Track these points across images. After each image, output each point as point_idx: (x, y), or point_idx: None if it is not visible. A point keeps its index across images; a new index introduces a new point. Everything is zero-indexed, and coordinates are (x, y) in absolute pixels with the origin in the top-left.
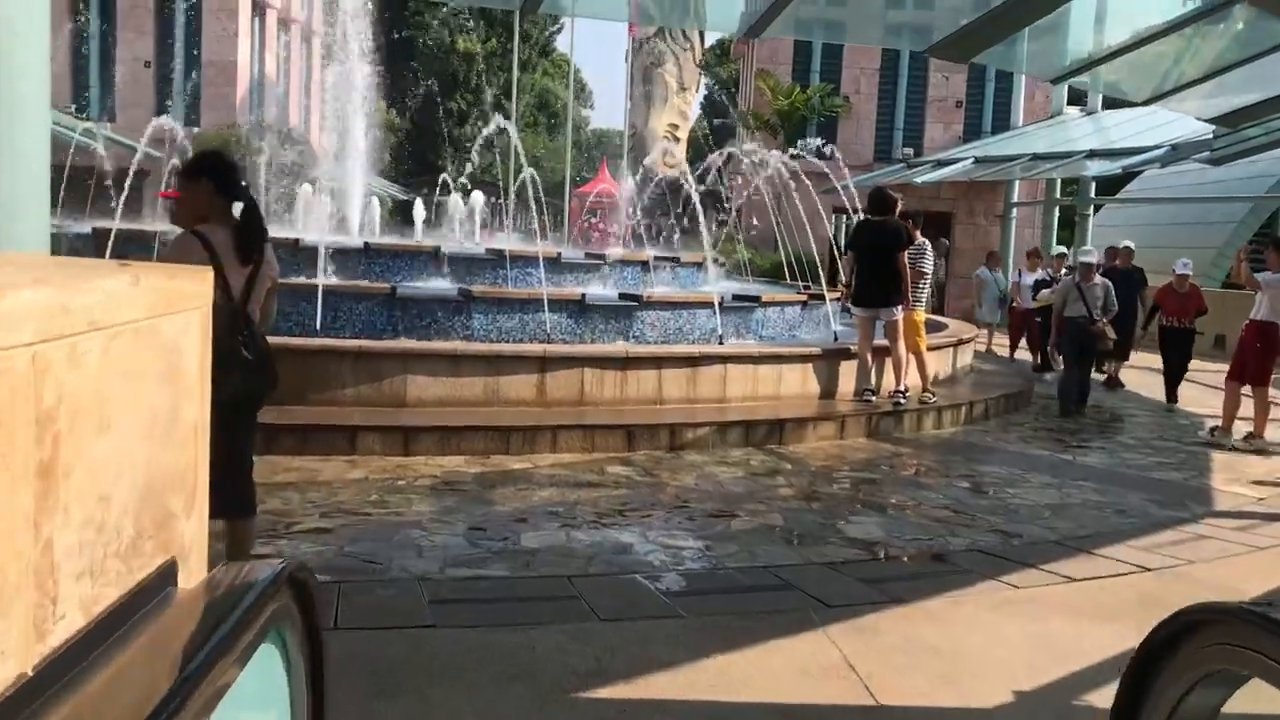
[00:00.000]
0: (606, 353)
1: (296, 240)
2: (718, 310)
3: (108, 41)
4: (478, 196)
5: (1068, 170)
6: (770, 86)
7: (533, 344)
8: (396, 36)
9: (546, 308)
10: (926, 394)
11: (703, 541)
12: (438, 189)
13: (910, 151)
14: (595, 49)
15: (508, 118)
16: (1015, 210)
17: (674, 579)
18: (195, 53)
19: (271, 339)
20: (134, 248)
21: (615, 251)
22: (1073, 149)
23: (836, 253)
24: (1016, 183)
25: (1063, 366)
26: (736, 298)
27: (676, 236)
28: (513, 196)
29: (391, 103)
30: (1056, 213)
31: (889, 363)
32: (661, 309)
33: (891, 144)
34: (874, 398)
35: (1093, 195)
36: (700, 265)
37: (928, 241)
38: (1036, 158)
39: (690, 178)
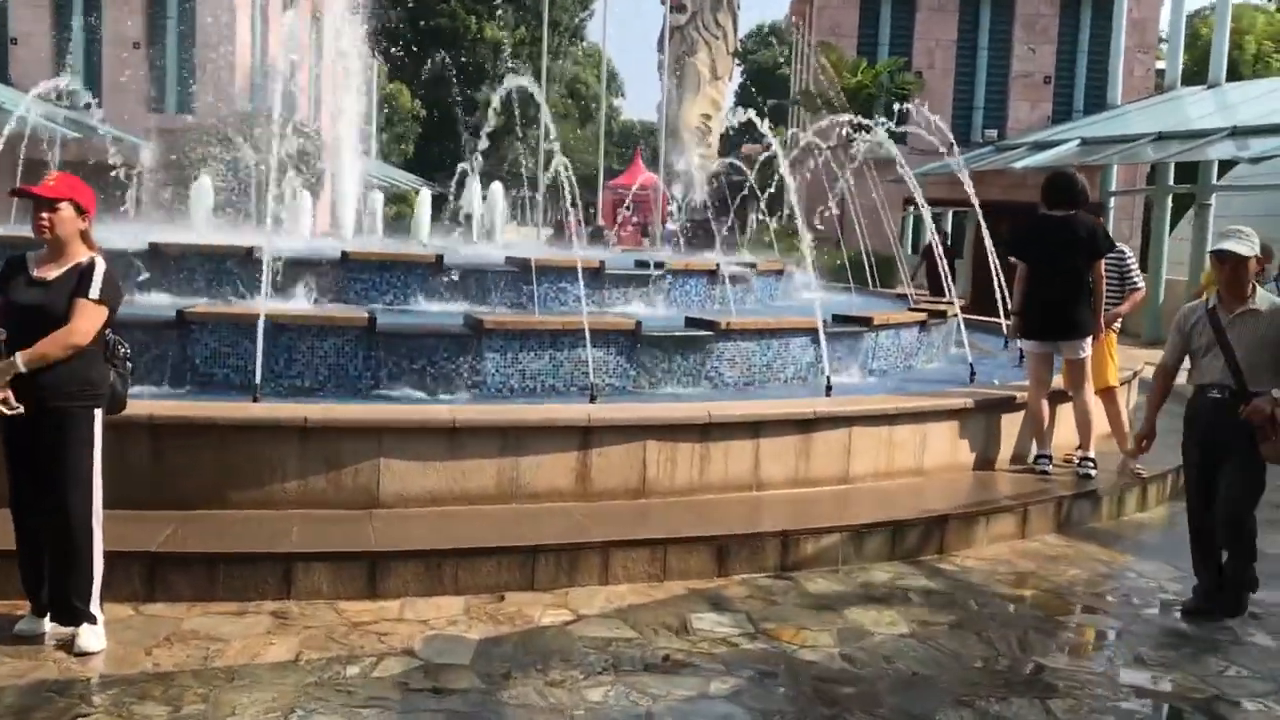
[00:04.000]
0: (679, 417)
1: (249, 250)
2: (823, 339)
3: (92, 20)
4: (497, 189)
5: (1210, 151)
6: (833, 61)
7: (569, 407)
8: (422, 24)
9: (589, 342)
10: (1087, 461)
11: None
12: (454, 182)
13: (995, 134)
14: (626, 36)
15: (536, 105)
16: (1113, 200)
17: None
18: (190, 34)
19: (172, 406)
20: None
21: (667, 256)
22: (1202, 127)
23: (900, 253)
24: (1114, 169)
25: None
26: (838, 319)
27: (727, 234)
28: (541, 188)
29: (414, 92)
30: (1169, 202)
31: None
32: (744, 339)
33: (971, 125)
34: (1049, 466)
35: (1214, 180)
36: (780, 273)
37: (1127, 248)
38: (1163, 137)
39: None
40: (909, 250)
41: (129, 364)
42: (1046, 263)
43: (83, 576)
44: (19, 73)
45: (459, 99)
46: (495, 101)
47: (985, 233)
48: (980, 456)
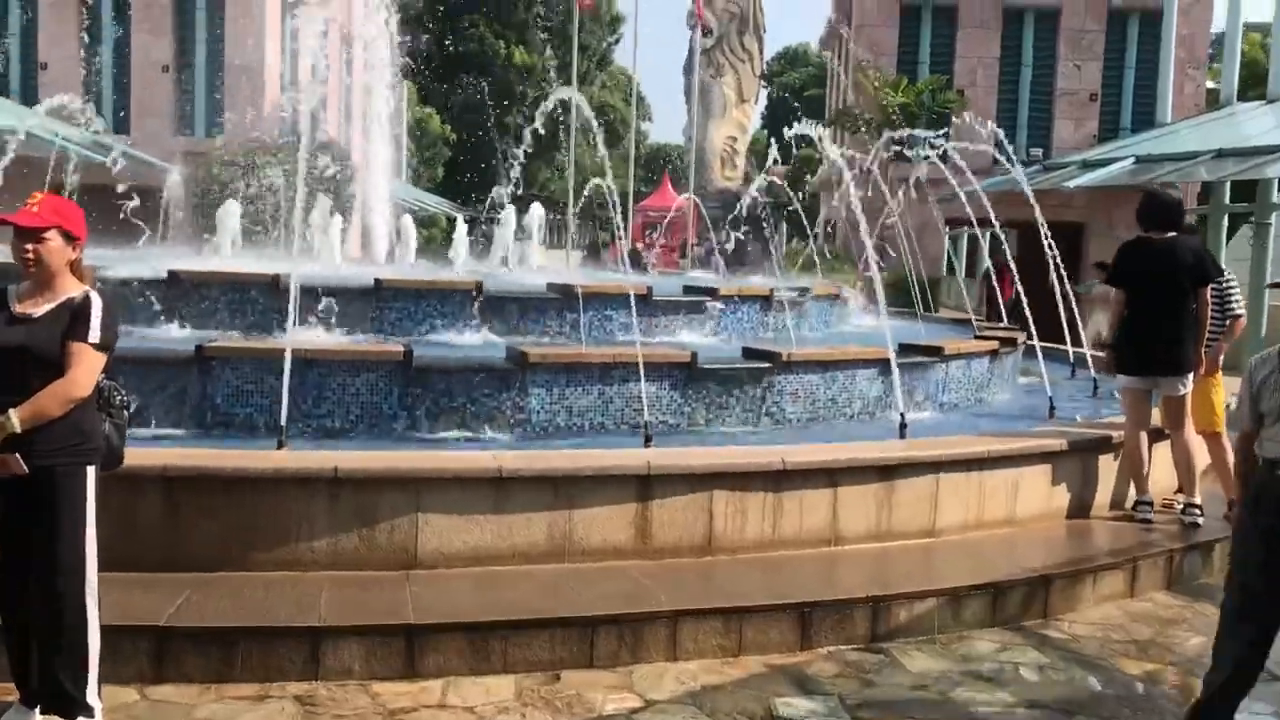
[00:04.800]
0: (749, 463)
1: (275, 278)
2: (896, 372)
3: (121, 44)
4: (536, 210)
5: (1270, 169)
6: (872, 80)
7: (626, 453)
8: (452, 50)
9: (643, 376)
10: (1192, 508)
11: None
12: (486, 205)
13: (1040, 153)
14: (653, 61)
15: (567, 129)
16: None
17: None
18: (218, 56)
19: (188, 455)
20: None
21: (714, 280)
22: (1262, 144)
23: (959, 274)
24: None
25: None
26: (904, 348)
27: (763, 256)
28: (572, 210)
29: (443, 116)
30: (1225, 222)
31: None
32: (808, 371)
33: (1015, 144)
34: (1151, 514)
35: (1275, 199)
36: (835, 298)
37: (1230, 271)
38: (1221, 155)
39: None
40: (955, 271)
41: (126, 412)
42: (1148, 290)
43: (76, 661)
44: (47, 97)
45: (489, 123)
46: (539, 119)
47: (1054, 255)
48: (1075, 503)
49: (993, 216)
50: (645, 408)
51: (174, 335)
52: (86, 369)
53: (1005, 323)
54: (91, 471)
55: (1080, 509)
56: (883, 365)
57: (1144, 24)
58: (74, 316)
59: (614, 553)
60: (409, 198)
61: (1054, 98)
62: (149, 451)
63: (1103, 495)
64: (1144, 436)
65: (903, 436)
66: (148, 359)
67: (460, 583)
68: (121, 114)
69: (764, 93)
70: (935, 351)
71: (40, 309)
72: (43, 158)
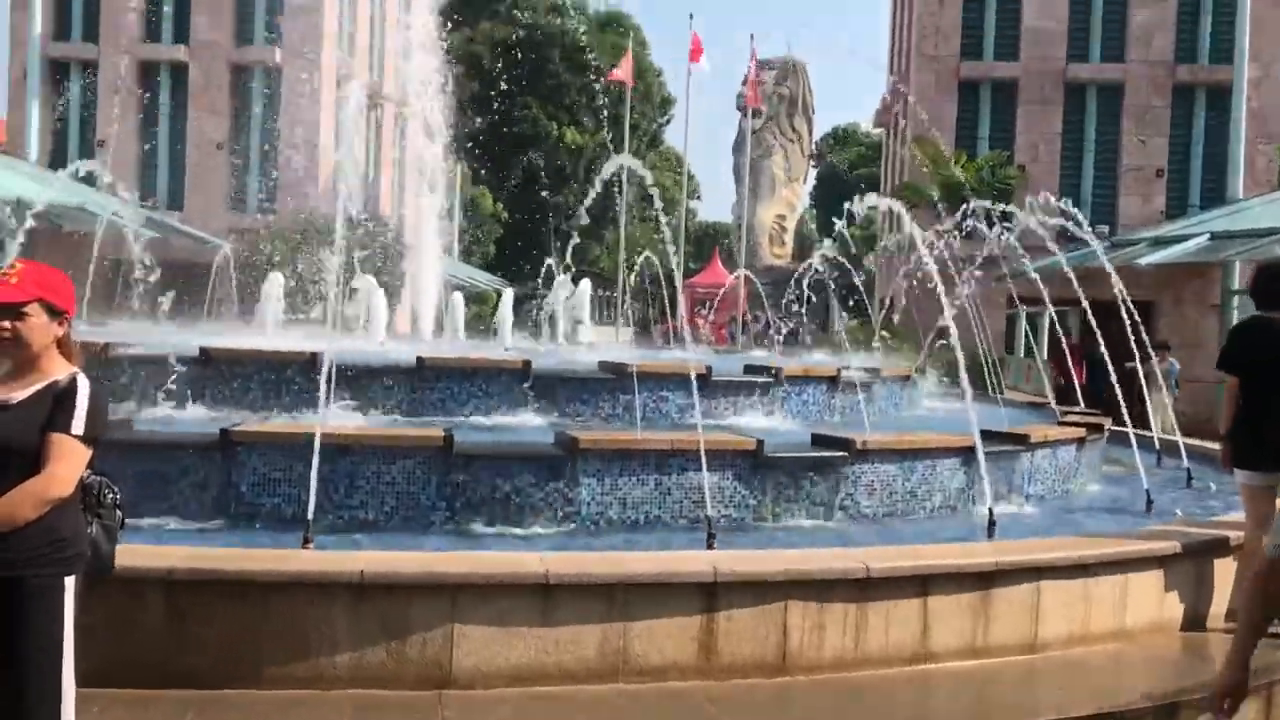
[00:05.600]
0: (829, 569)
1: (312, 356)
2: (982, 462)
3: (177, 121)
4: (585, 286)
5: None
6: (930, 155)
7: (689, 556)
8: (505, 130)
9: (704, 465)
10: None
11: None
12: (539, 281)
13: (1105, 229)
14: (702, 141)
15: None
16: (1236, 298)
17: None
18: (273, 134)
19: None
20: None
21: (773, 358)
22: None
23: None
24: (1237, 265)
25: None
26: (986, 435)
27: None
28: (622, 286)
29: (495, 195)
30: None
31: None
32: (884, 460)
33: (1077, 221)
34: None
35: None
36: (906, 379)
37: None
38: None
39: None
40: (1013, 351)
41: (119, 512)
42: (1266, 375)
43: None
44: (104, 174)
45: (540, 202)
46: (596, 184)
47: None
48: (1190, 613)
49: (1080, 293)
50: (707, 500)
51: (201, 417)
52: (68, 464)
53: (1082, 405)
54: (71, 583)
55: (1195, 620)
56: (965, 454)
57: (1211, 98)
58: (56, 403)
59: (674, 671)
60: (460, 274)
61: (1119, 173)
62: (152, 550)
63: (1219, 604)
64: (1263, 535)
65: (991, 535)
66: (169, 444)
67: (501, 708)
68: (174, 191)
69: (813, 172)
70: (1020, 439)
71: (18, 394)
72: (88, 232)
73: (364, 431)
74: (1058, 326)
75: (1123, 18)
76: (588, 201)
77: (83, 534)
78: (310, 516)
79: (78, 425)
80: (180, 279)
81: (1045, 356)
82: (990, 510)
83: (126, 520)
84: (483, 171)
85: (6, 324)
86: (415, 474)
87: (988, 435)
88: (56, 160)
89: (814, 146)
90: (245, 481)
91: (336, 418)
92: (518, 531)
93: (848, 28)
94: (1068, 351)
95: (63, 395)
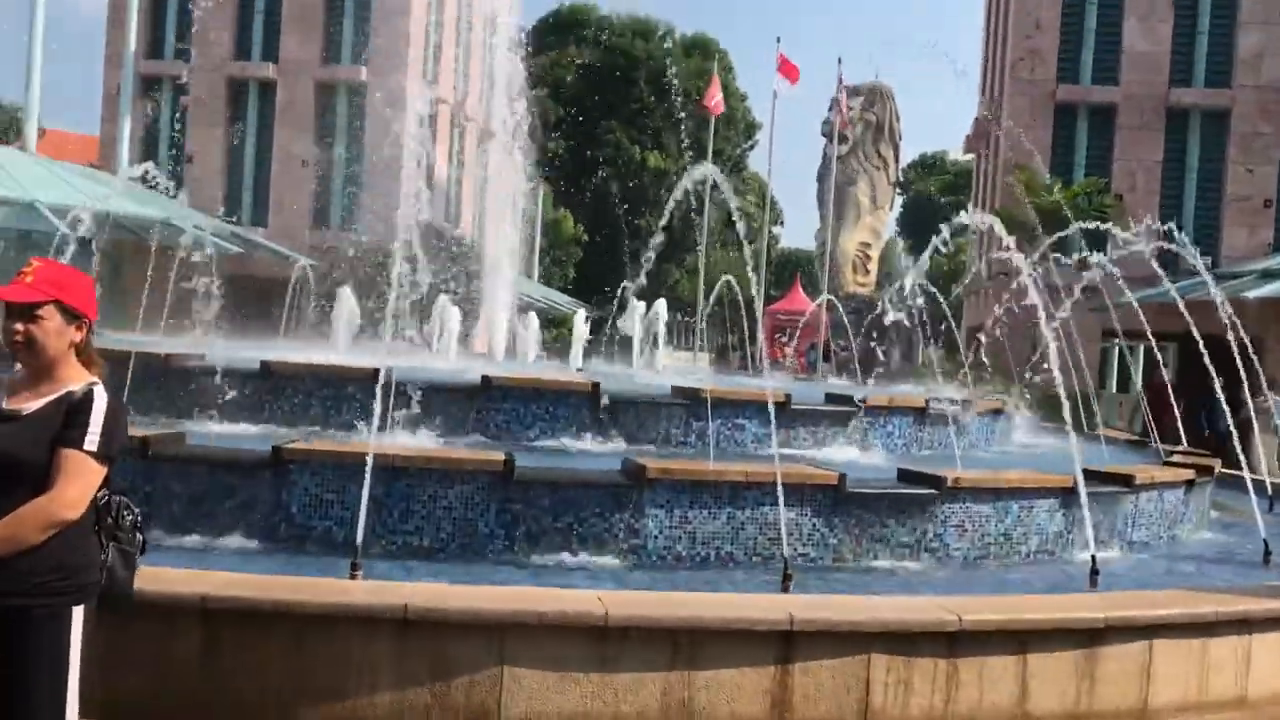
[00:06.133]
0: (917, 620)
1: (375, 372)
2: (1085, 504)
3: (263, 138)
4: (661, 308)
5: None
6: (1025, 182)
7: (762, 599)
8: (588, 153)
9: (781, 500)
10: None
11: None
12: (615, 305)
13: (1208, 261)
14: (786, 166)
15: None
16: None
17: None
18: (357, 152)
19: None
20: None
21: (858, 388)
22: None
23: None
24: None
25: None
26: (1089, 475)
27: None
28: (701, 310)
29: (577, 217)
30: None
31: None
32: (977, 500)
33: (1172, 254)
34: None
35: None
36: (998, 413)
37: None
38: None
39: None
40: (1105, 386)
41: (139, 535)
42: None
43: None
44: (194, 189)
45: (621, 225)
46: (678, 192)
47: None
48: None
49: (1192, 325)
50: (783, 537)
51: (259, 433)
52: (79, 484)
53: (1184, 444)
54: (79, 613)
55: None
56: (1064, 495)
57: None
58: (69, 415)
59: None
60: (540, 296)
61: (1223, 203)
62: (187, 574)
63: None
64: None
65: (1094, 585)
66: (219, 461)
67: None
68: (259, 206)
69: (899, 199)
70: (1124, 480)
71: (32, 404)
72: (171, 246)
73: (420, 452)
74: (1161, 360)
75: (1230, 41)
76: (665, 219)
77: (95, 561)
78: (359, 542)
79: (91, 441)
80: (262, 294)
81: (1124, 390)
82: (1093, 559)
83: (171, 539)
84: (566, 194)
85: (20, 326)
86: (473, 499)
87: (1089, 475)
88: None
89: (900, 174)
90: (296, 502)
91: (396, 437)
92: (579, 563)
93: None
94: (1158, 387)
95: (76, 407)
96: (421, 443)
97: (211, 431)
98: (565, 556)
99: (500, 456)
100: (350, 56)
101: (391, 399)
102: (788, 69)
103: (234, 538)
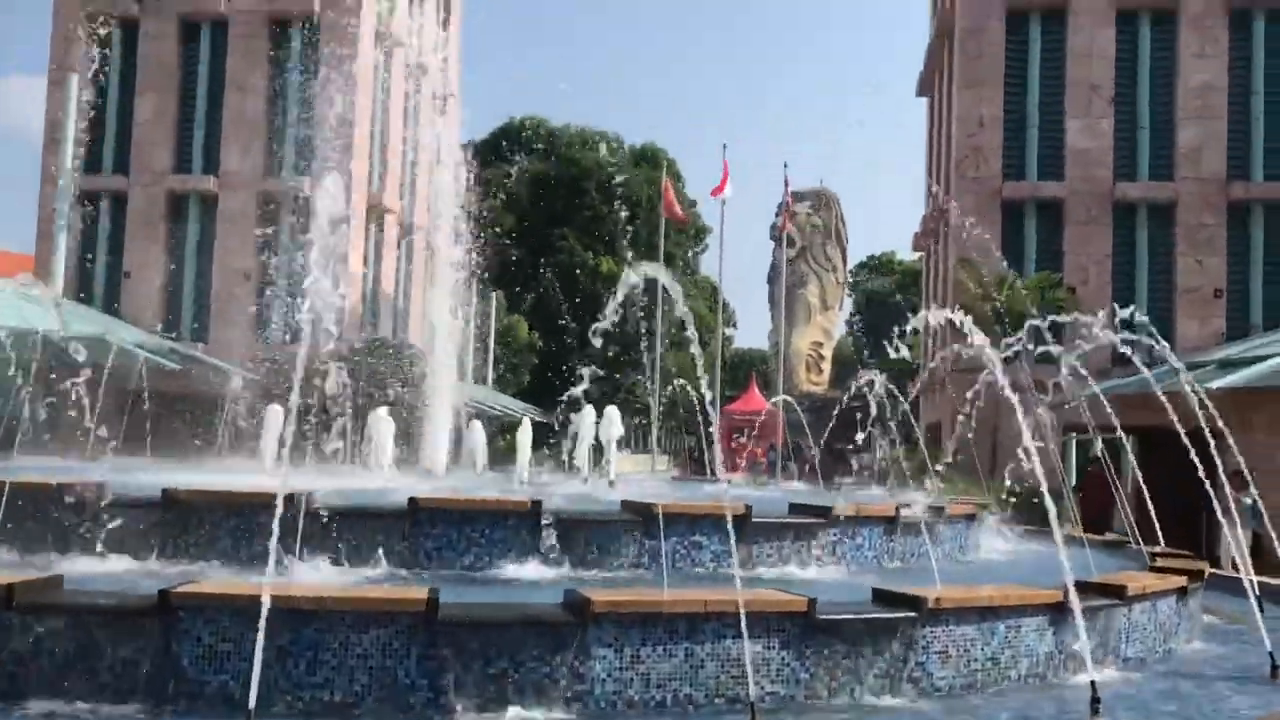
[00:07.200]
0: None
1: (289, 499)
2: (1080, 621)
3: (204, 251)
4: (613, 414)
5: None
6: (974, 279)
7: None
8: (542, 260)
9: (745, 631)
10: None
11: None
12: (561, 406)
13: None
14: (736, 269)
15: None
16: None
17: None
18: (301, 264)
19: None
20: None
21: (825, 494)
22: None
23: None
24: None
25: None
26: (1078, 587)
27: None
28: (655, 412)
29: (531, 324)
30: None
31: None
32: (961, 621)
33: (1132, 344)
34: None
35: None
36: (971, 518)
37: None
38: None
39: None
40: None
41: None
42: None
43: None
44: (131, 305)
45: (575, 330)
46: (621, 290)
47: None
48: None
49: (1175, 420)
50: (749, 675)
51: (166, 572)
52: None
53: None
54: None
55: None
56: (1052, 611)
57: (1269, 215)
58: None
59: None
60: (493, 402)
61: (1175, 294)
62: None
63: None
64: None
65: (1096, 714)
66: (95, 609)
67: None
68: (200, 320)
69: (849, 300)
70: (1117, 592)
71: None
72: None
73: (329, 591)
74: (1129, 455)
75: (1170, 136)
76: (607, 320)
77: None
78: (252, 705)
79: None
80: (208, 410)
81: (1077, 487)
82: (1093, 684)
83: (40, 704)
84: (519, 300)
85: None
86: (392, 645)
87: (1078, 587)
88: (83, 291)
89: (849, 274)
90: (188, 655)
91: (314, 572)
92: (516, 717)
93: (882, 153)
94: (1098, 478)
95: None
96: (339, 578)
97: (103, 571)
98: (498, 709)
99: (422, 594)
100: (292, 168)
101: (300, 528)
102: (724, 182)
103: (114, 702)
